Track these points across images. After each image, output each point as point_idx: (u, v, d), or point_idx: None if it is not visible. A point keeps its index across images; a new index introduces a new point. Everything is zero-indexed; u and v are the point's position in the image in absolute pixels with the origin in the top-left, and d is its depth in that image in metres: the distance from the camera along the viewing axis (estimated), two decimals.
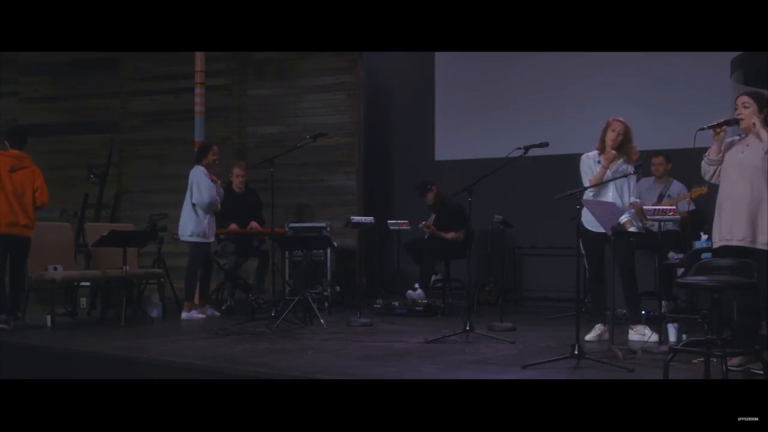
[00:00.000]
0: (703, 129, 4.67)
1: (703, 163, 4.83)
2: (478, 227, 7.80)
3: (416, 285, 7.91)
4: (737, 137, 4.79)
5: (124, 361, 5.16)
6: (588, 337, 5.60)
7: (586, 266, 5.84)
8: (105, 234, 6.97)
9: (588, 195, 5.51)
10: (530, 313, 7.81)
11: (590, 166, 5.80)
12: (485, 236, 7.96)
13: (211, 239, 7.48)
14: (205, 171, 7.34)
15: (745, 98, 4.68)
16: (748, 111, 4.64)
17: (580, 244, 5.20)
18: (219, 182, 7.53)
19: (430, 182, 8.30)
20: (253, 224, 7.98)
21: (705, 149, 4.82)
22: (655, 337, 5.59)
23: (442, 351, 5.32)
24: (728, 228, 4.63)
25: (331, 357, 5.11)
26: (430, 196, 8.23)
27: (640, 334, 5.65)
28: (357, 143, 9.29)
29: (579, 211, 4.96)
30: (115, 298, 7.27)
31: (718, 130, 4.69)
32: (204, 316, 7.28)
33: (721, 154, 4.74)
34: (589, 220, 5.50)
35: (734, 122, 4.69)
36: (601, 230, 5.35)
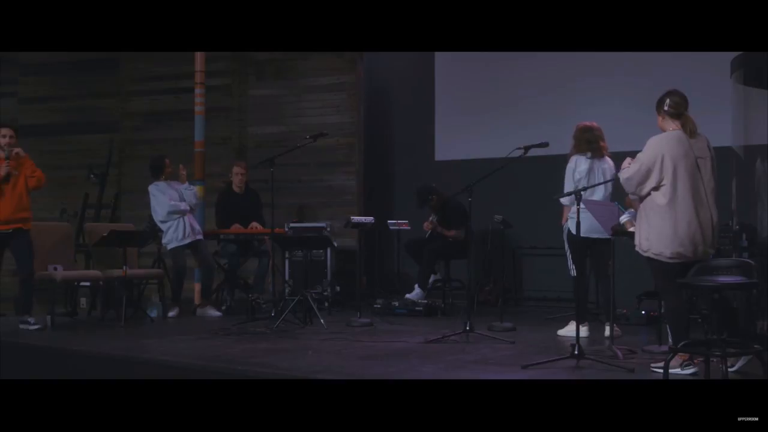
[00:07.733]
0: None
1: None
2: (478, 227, 7.76)
3: (415, 285, 7.90)
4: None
5: (124, 361, 5.17)
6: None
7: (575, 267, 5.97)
8: (105, 234, 6.98)
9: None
10: (530, 313, 7.82)
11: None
12: (485, 236, 7.95)
13: (190, 239, 7.52)
14: (157, 187, 7.57)
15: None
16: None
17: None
18: (186, 183, 7.70)
19: (429, 190, 8.10)
20: (255, 224, 7.98)
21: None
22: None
23: (442, 351, 5.32)
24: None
25: (331, 357, 5.11)
26: (432, 205, 8.12)
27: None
28: (357, 143, 9.28)
29: (578, 213, 4.97)
30: (115, 298, 7.27)
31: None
32: (174, 314, 7.47)
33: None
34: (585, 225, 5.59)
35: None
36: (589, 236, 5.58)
